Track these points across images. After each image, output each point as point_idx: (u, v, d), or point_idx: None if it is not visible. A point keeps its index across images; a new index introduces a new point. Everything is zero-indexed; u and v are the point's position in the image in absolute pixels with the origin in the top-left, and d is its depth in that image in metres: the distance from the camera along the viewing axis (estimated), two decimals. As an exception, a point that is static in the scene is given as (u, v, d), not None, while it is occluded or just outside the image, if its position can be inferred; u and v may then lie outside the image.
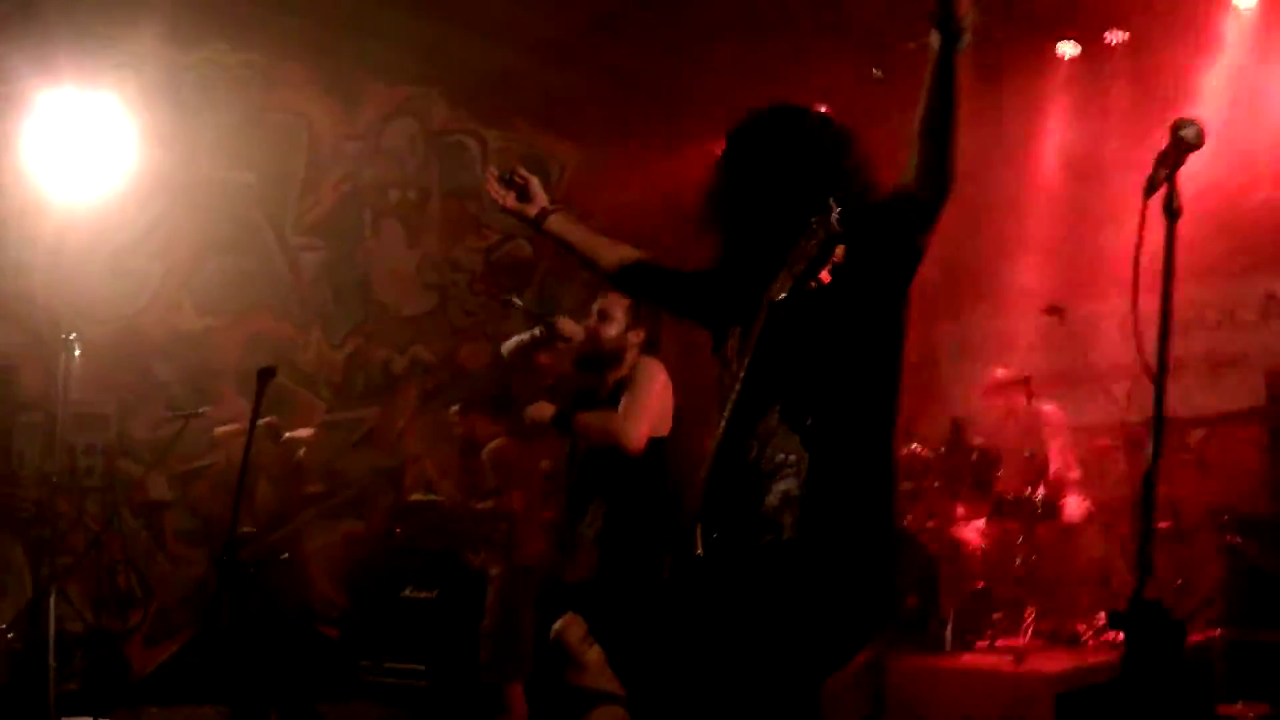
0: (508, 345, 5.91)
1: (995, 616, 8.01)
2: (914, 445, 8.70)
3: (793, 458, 3.12)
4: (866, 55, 9.43)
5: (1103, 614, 7.42)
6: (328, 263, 10.83)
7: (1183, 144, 2.99)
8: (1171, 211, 2.98)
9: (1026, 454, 8.44)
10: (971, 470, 8.50)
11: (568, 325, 5.65)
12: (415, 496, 9.92)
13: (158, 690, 9.18)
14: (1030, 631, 7.81)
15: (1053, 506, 8.31)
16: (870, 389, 3.20)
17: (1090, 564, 8.30)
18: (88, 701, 8.40)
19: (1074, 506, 8.43)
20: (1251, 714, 6.67)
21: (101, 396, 9.67)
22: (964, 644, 7.82)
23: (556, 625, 4.84)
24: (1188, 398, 8.71)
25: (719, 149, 3.51)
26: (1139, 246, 3.01)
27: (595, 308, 5.62)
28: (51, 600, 8.24)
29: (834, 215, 2.96)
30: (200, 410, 8.88)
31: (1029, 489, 8.24)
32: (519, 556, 7.35)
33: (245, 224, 10.42)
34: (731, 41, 9.63)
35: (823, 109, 3.74)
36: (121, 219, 9.77)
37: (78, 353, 8.09)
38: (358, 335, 10.94)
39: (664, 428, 5.44)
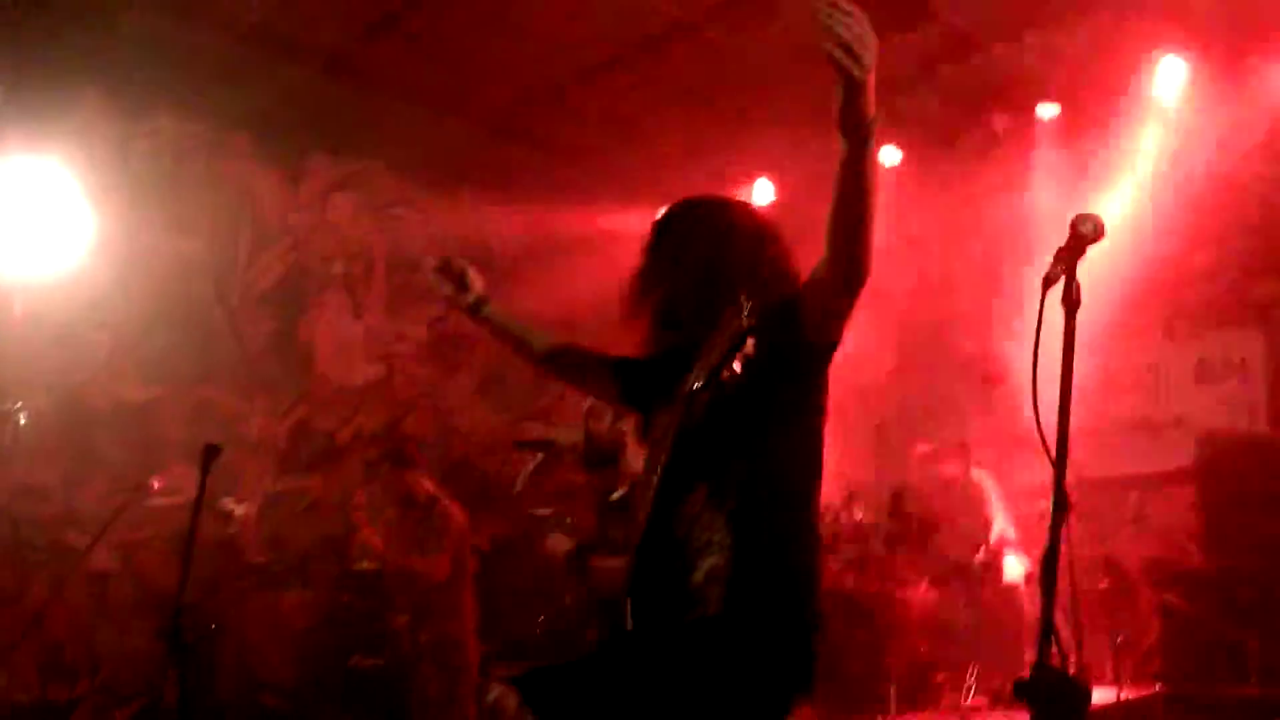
0: (520, 482, 5.99)
1: (938, 678, 8.13)
2: (857, 513, 8.86)
3: (718, 536, 3.23)
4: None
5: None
6: (274, 333, 10.86)
7: (1082, 239, 3.08)
8: (1070, 304, 3.08)
9: (961, 523, 8.61)
10: (914, 536, 8.65)
11: (567, 435, 5.78)
12: (360, 565, 9.90)
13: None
14: (972, 691, 7.92)
15: (993, 568, 8.46)
16: (789, 471, 3.34)
17: (1031, 623, 8.40)
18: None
19: (1013, 566, 8.59)
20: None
21: (46, 467, 9.62)
22: (910, 705, 7.93)
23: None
24: (1123, 457, 8.93)
25: (645, 232, 3.65)
26: (1037, 337, 3.09)
27: (584, 407, 5.75)
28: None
29: (745, 310, 3.08)
30: (147, 482, 8.85)
31: (972, 552, 8.39)
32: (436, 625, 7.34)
33: (192, 295, 10.43)
34: (676, 113, 9.81)
35: (748, 198, 3.87)
36: (69, 289, 9.75)
37: (22, 422, 8.07)
38: (303, 405, 10.92)
39: None
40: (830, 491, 8.66)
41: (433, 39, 9.30)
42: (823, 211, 3.06)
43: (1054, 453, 3.01)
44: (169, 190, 10.31)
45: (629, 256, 4.19)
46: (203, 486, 5.70)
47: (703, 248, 3.44)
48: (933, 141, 9.60)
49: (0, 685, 8.56)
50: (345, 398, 11.20)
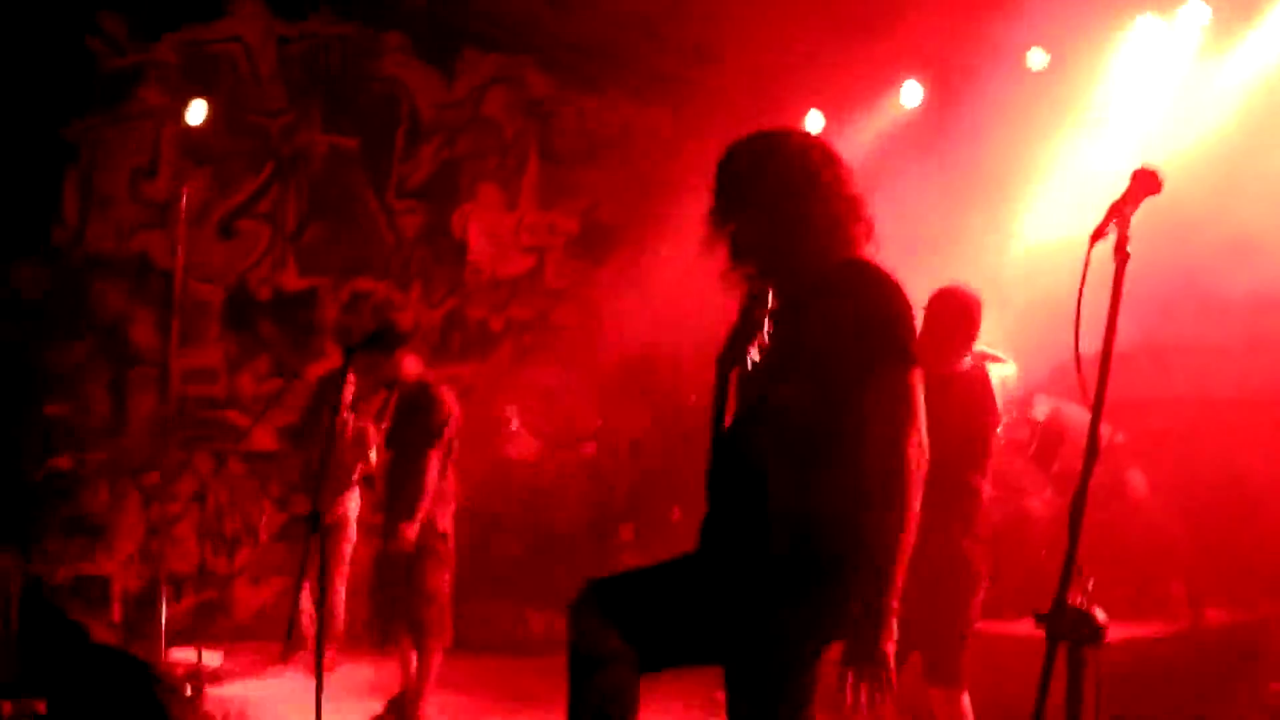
0: None
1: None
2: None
3: (792, 475, 3.45)
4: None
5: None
6: (428, 225, 11.44)
7: (1140, 192, 3.14)
8: (1121, 257, 3.12)
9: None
10: (1037, 446, 8.71)
11: None
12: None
13: (262, 627, 9.93)
14: (1092, 584, 7.93)
15: (1120, 484, 8.46)
16: (861, 422, 3.44)
17: (1152, 539, 8.41)
18: (197, 635, 9.07)
19: (1137, 482, 8.57)
20: None
21: (211, 351, 10.42)
22: (1027, 611, 8.03)
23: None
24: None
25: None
26: (1081, 289, 3.16)
27: None
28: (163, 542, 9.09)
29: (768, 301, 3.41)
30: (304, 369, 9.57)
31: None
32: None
33: (349, 189, 11.04)
34: (817, 21, 9.91)
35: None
36: (231, 183, 10.50)
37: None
38: (456, 295, 11.51)
39: None
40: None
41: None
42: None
43: (1093, 400, 3.13)
44: (325, 88, 10.86)
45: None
46: (342, 382, 5.85)
47: (768, 183, 3.61)
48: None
49: (164, 554, 9.36)
50: (497, 288, 11.70)
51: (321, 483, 5.67)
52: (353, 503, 8.68)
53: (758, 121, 10.98)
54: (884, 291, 3.49)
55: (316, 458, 8.45)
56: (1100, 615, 3.17)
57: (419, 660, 7.17)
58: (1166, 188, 3.16)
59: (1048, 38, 9.41)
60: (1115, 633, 7.14)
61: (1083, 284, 3.16)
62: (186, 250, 9.60)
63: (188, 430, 10.19)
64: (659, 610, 3.54)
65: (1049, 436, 8.77)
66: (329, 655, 8.44)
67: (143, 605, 9.52)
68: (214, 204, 10.58)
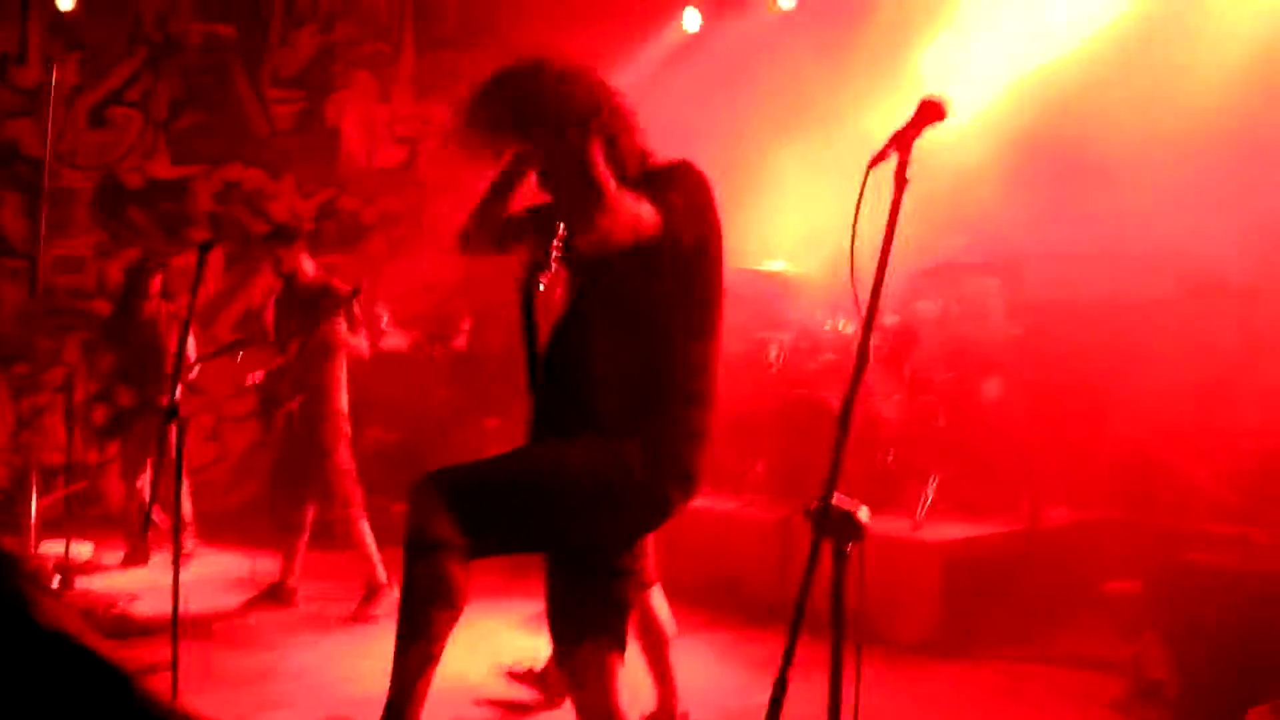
0: None
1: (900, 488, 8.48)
2: (840, 322, 9.25)
3: (610, 364, 3.79)
4: None
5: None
6: (302, 114, 11.51)
7: (925, 120, 3.28)
8: (900, 182, 3.31)
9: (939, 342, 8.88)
10: (891, 350, 9.01)
11: None
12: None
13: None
14: (927, 501, 8.28)
15: (969, 388, 8.77)
16: (665, 320, 3.81)
17: (1000, 442, 8.73)
18: (67, 527, 9.23)
19: (991, 388, 8.87)
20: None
21: (83, 241, 10.44)
22: (871, 509, 8.35)
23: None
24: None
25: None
26: (857, 212, 3.29)
27: None
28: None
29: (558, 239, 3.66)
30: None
31: (947, 370, 8.71)
32: None
33: (222, 76, 11.03)
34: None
35: None
36: (102, 70, 10.45)
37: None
38: (329, 186, 11.59)
39: None
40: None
41: None
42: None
43: (864, 313, 3.42)
44: (198, -29, 10.85)
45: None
46: (197, 279, 5.98)
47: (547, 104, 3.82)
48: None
49: (33, 445, 9.44)
50: (371, 179, 11.78)
51: (177, 374, 5.80)
52: None
53: (636, 15, 11.08)
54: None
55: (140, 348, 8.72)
56: (863, 514, 3.39)
57: (349, 531, 7.78)
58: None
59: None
60: (959, 531, 7.56)
61: (858, 208, 3.30)
62: (56, 138, 9.55)
63: (57, 319, 10.22)
64: (489, 499, 3.80)
65: (900, 340, 9.08)
66: (187, 544, 8.75)
67: (12, 498, 9.60)
68: (85, 91, 10.49)
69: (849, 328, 9.28)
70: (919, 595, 7.54)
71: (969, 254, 9.01)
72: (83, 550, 8.76)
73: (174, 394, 5.58)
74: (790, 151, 9.63)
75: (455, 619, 3.77)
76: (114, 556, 9.06)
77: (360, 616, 7.61)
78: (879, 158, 3.37)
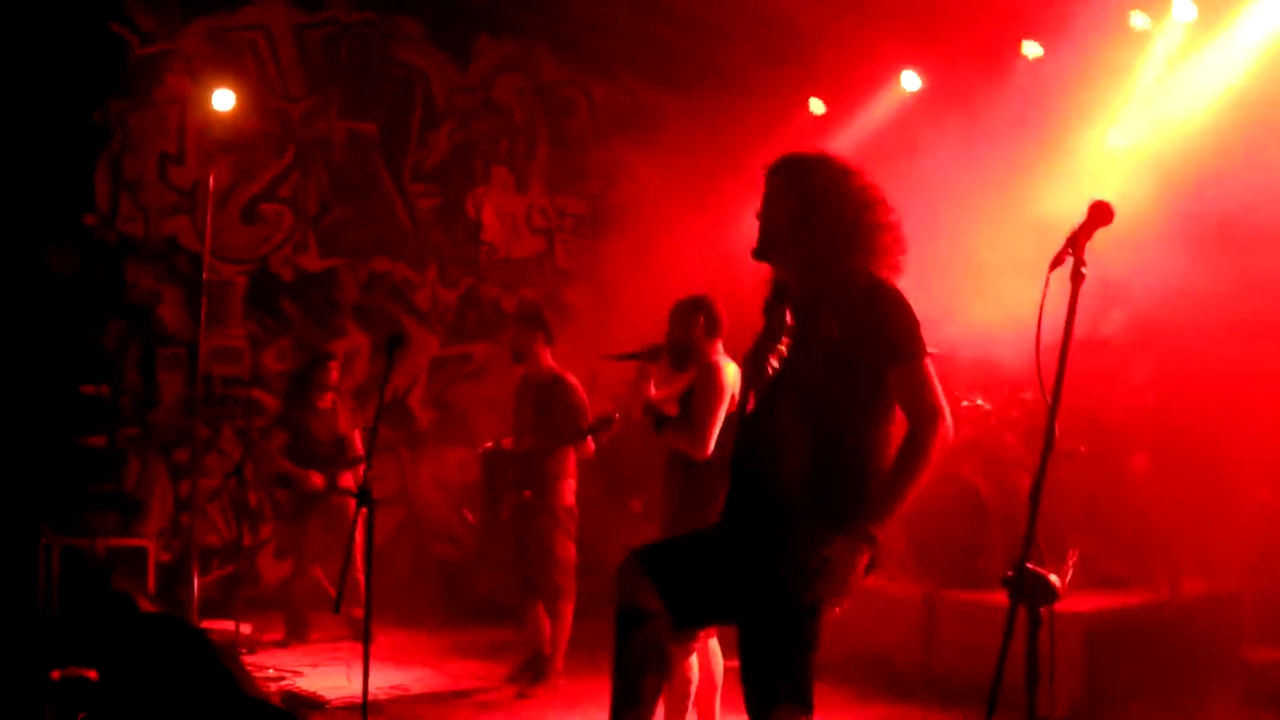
0: (631, 393, 6.80)
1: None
2: (977, 399, 9.45)
3: (802, 445, 4.09)
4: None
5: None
6: (442, 208, 12.03)
7: (1095, 223, 3.70)
8: (1076, 280, 3.65)
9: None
10: (1027, 422, 9.20)
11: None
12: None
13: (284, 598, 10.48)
14: (1070, 573, 8.39)
15: (1118, 463, 8.91)
16: (859, 409, 4.14)
17: (1144, 514, 8.84)
18: (227, 606, 9.63)
19: (1140, 462, 9.00)
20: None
21: (236, 331, 10.94)
22: None
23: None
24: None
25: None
26: (1041, 309, 3.68)
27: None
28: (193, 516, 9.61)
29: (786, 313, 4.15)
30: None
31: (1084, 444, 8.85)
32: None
33: (366, 172, 11.56)
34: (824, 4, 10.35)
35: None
36: (255, 168, 11.01)
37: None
38: (470, 275, 12.09)
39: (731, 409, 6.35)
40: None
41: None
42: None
43: (1050, 399, 3.69)
44: (344, 75, 11.37)
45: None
46: (388, 371, 6.35)
47: (806, 198, 4.26)
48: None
49: (194, 527, 9.85)
50: (509, 268, 12.23)
51: (370, 460, 6.21)
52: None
53: (763, 103, 11.53)
54: (897, 302, 4.13)
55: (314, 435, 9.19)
56: (1055, 580, 3.63)
57: (553, 621, 8.18)
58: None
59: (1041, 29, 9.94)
60: (1100, 601, 7.68)
61: (1042, 306, 3.71)
62: (212, 233, 10.04)
63: (214, 408, 10.69)
64: (690, 574, 4.19)
65: (1038, 414, 9.23)
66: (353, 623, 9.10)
67: (172, 577, 10.00)
68: (238, 188, 11.06)
69: (986, 404, 9.47)
70: (1063, 667, 7.65)
71: (1117, 324, 9.16)
72: (243, 629, 9.13)
73: (365, 479, 5.95)
74: (921, 232, 9.88)
75: (663, 684, 4.12)
76: (273, 635, 9.45)
77: (526, 694, 7.95)
78: (1058, 261, 3.73)
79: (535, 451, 8.21)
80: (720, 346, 6.58)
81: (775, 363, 4.13)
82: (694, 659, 6.06)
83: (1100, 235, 3.73)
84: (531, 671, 8.21)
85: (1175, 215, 8.64)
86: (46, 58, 10.00)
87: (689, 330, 6.47)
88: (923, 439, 4.02)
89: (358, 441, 9.67)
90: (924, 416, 4.04)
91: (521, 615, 8.41)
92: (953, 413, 9.02)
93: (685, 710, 6.15)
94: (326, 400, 9.63)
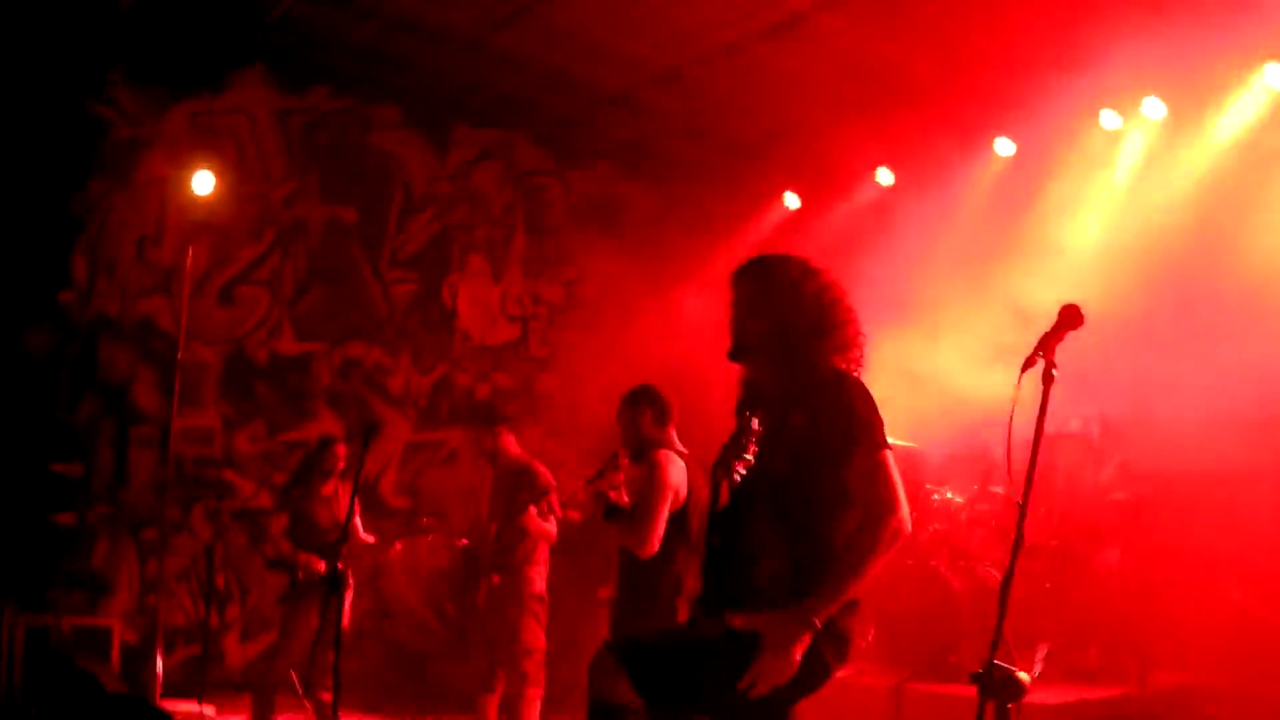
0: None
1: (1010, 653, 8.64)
2: (946, 493, 9.54)
3: (777, 546, 4.18)
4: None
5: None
6: (418, 294, 12.18)
7: (1064, 326, 3.90)
8: (1047, 382, 3.85)
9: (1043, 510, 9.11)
10: (996, 518, 9.29)
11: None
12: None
13: (250, 681, 10.42)
14: (1038, 669, 8.44)
15: (1085, 558, 8.98)
16: (831, 501, 4.22)
17: (1113, 608, 8.90)
18: (191, 687, 9.62)
19: (1109, 558, 9.06)
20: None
21: (209, 413, 10.96)
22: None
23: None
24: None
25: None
26: (1012, 409, 3.90)
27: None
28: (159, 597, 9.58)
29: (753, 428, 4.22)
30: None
31: (1052, 538, 8.94)
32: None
33: (344, 258, 11.66)
34: (798, 100, 10.55)
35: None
36: (232, 253, 11.09)
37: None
38: (444, 362, 12.19)
39: (675, 506, 6.49)
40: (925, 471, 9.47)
41: (562, 24, 10.12)
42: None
43: (1020, 497, 3.91)
44: (324, 160, 11.50)
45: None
46: (362, 459, 6.42)
47: (771, 301, 4.41)
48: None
49: (160, 608, 9.82)
50: (484, 355, 12.34)
51: (341, 545, 6.27)
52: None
53: (736, 196, 11.75)
54: (858, 394, 4.24)
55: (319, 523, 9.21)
56: (1023, 676, 3.70)
57: (519, 707, 8.16)
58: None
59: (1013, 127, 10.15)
60: (1067, 695, 7.70)
61: (1013, 407, 3.92)
62: (189, 314, 10.09)
63: (185, 488, 10.69)
64: (662, 667, 4.25)
65: (1009, 509, 9.30)
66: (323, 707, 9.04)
67: (136, 657, 9.95)
68: (215, 270, 11.14)
69: (956, 498, 9.55)
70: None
71: (1084, 421, 9.28)
72: (207, 711, 9.08)
73: (339, 564, 5.98)
74: (891, 329, 10.00)
75: None
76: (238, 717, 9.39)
77: None
78: (1029, 363, 3.90)
79: (504, 541, 8.29)
80: (673, 434, 6.70)
81: (742, 470, 4.21)
82: None
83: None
84: None
85: (1147, 308, 8.80)
86: (27, 136, 10.10)
87: (637, 423, 6.61)
88: (870, 530, 4.08)
89: (359, 528, 9.65)
90: (874, 507, 4.10)
91: (478, 707, 8.39)
92: (923, 507, 9.18)
93: None
94: (329, 486, 9.63)
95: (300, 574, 9.39)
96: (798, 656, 3.96)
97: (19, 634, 8.42)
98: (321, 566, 9.38)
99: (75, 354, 10.51)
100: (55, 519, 10.27)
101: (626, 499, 6.37)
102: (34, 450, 10.19)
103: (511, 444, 8.56)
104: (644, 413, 6.61)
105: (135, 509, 10.63)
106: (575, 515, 7.97)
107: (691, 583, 6.23)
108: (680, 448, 6.69)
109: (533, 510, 8.07)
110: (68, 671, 8.06)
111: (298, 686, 9.29)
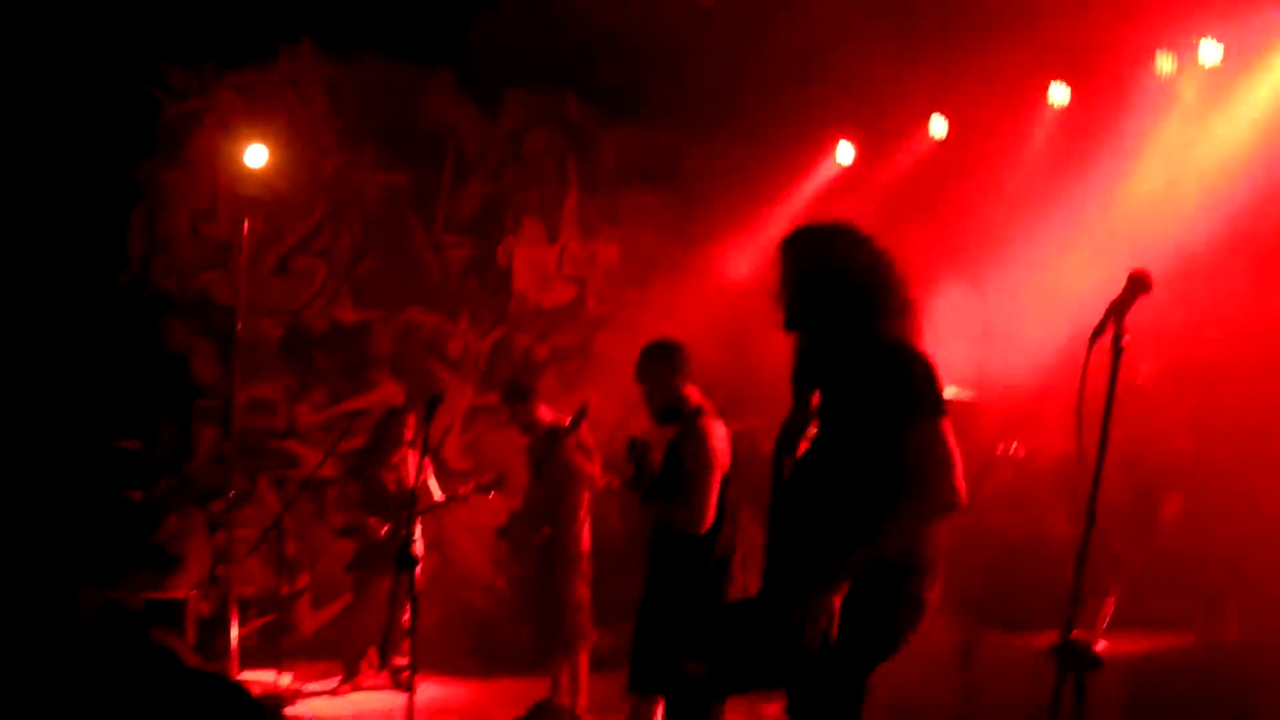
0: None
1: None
2: (1011, 445, 9.49)
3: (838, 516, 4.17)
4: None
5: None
6: (474, 258, 12.20)
7: (1134, 292, 3.78)
8: (1117, 350, 3.76)
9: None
10: (1059, 467, 9.25)
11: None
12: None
13: (325, 647, 10.63)
14: (1107, 622, 8.41)
15: (1149, 509, 8.93)
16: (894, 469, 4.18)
17: (1179, 561, 8.85)
18: (265, 656, 9.83)
19: (1171, 506, 9.01)
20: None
21: (271, 384, 11.08)
22: (1045, 627, 8.50)
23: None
24: None
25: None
26: (1083, 379, 3.81)
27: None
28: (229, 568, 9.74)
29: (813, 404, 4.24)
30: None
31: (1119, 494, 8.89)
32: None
33: (399, 224, 11.71)
34: (851, 45, 10.45)
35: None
36: (289, 223, 11.16)
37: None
38: (502, 325, 12.24)
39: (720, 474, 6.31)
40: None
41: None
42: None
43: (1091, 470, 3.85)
44: (376, 128, 11.54)
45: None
46: (427, 433, 6.40)
47: (820, 271, 4.35)
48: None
49: (231, 579, 9.95)
50: (541, 317, 12.40)
51: (412, 511, 6.28)
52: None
53: (788, 149, 11.66)
54: (914, 362, 4.18)
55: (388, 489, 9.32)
56: (1100, 647, 3.68)
57: (571, 666, 8.27)
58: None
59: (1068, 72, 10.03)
60: (1136, 645, 7.68)
61: (1083, 378, 3.79)
62: (246, 287, 10.19)
63: (250, 460, 10.82)
64: (733, 640, 4.27)
65: (1073, 461, 9.28)
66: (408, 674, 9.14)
67: (210, 629, 10.11)
68: (271, 242, 11.23)
69: (1019, 450, 9.49)
70: (1102, 713, 7.66)
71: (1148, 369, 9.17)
72: (284, 679, 9.23)
73: (404, 532, 5.98)
74: (956, 279, 9.93)
75: None
76: (312, 685, 9.55)
77: None
78: (1099, 332, 3.77)
79: (542, 503, 8.42)
80: (698, 392, 6.40)
81: (806, 446, 4.20)
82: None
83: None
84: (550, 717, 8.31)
85: (1210, 253, 8.71)
86: (79, 119, 10.20)
87: (667, 381, 6.28)
88: (918, 498, 4.05)
89: (430, 490, 9.73)
90: (925, 476, 4.06)
91: (546, 668, 8.53)
92: (985, 458, 9.13)
93: None
94: (399, 454, 9.74)
95: (365, 540, 9.57)
96: (822, 623, 3.95)
97: (94, 610, 8.53)
98: (384, 533, 9.54)
99: (135, 331, 10.67)
100: (123, 495, 10.46)
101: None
102: (99, 428, 10.36)
103: (546, 412, 8.66)
104: (674, 370, 6.27)
105: (201, 482, 10.80)
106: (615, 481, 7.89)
107: (730, 552, 6.17)
108: (710, 407, 6.40)
109: (573, 446, 8.18)
110: (144, 647, 8.16)
111: (374, 655, 9.50)
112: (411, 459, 9.66)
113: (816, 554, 4.08)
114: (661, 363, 6.33)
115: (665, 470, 6.21)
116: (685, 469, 6.12)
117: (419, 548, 9.60)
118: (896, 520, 4.01)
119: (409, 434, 9.75)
